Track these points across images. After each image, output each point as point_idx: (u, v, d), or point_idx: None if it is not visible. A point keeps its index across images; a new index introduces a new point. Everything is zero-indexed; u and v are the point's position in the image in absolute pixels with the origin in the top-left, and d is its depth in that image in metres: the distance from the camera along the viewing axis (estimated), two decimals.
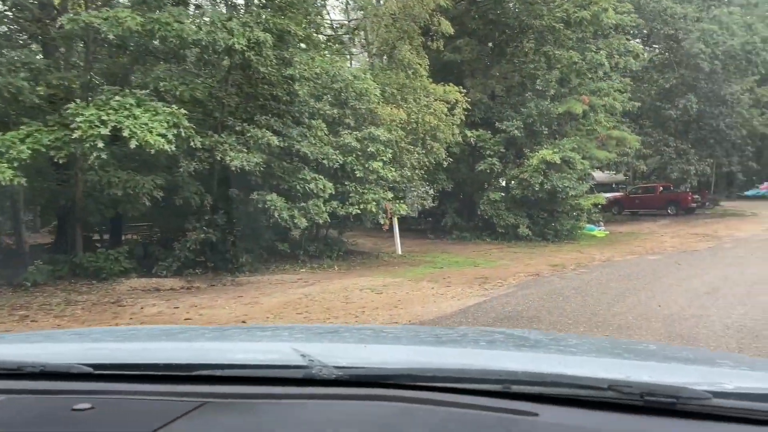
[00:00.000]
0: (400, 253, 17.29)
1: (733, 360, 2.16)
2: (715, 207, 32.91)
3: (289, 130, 12.43)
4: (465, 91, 17.41)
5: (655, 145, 29.25)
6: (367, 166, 13.99)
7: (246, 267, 12.58)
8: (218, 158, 10.88)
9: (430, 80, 17.21)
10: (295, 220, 11.97)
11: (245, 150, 11.06)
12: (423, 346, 1.75)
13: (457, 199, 23.15)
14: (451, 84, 17.39)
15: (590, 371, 1.32)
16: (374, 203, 13.91)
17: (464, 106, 16.83)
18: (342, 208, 13.80)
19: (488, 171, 20.65)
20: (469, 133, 20.34)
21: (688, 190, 31.25)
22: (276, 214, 11.76)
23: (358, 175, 13.98)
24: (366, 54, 18.63)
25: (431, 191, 25.27)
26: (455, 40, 20.56)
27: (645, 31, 26.75)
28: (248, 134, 11.21)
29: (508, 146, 20.97)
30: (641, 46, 23.68)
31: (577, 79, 21.49)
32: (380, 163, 14.00)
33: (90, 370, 1.33)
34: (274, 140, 11.30)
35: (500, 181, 21.79)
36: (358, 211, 13.83)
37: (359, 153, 14.09)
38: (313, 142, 12.61)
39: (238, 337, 1.97)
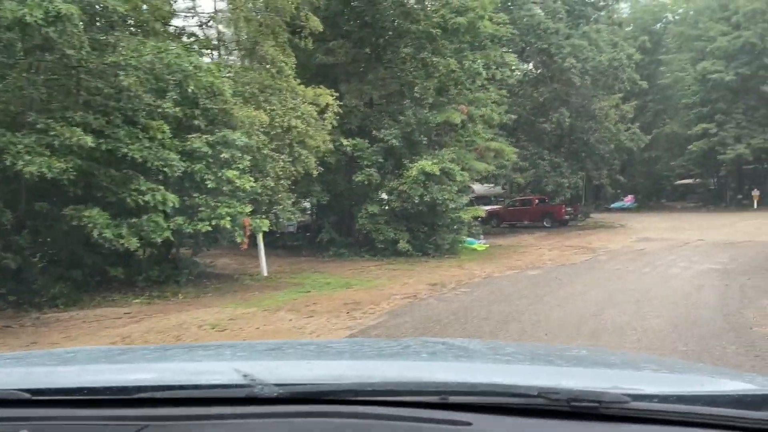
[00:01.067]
0: (265, 274, 15.36)
1: (656, 363, 2.27)
2: (586, 219, 33.92)
3: (115, 130, 10.17)
4: (336, 95, 15.87)
5: (531, 158, 29.52)
6: (220, 175, 12.00)
7: (60, 300, 10.12)
8: (8, 163, 8.42)
9: (299, 81, 15.54)
10: (122, 240, 9.72)
11: (47, 153, 8.68)
12: (365, 360, 1.80)
13: (334, 213, 21.59)
14: (322, 87, 15.81)
15: (522, 379, 1.42)
16: (229, 218, 11.93)
17: (335, 110, 15.28)
18: (189, 224, 11.70)
19: (366, 182, 19.28)
20: (345, 142, 18.89)
21: (561, 202, 31.90)
22: (95, 233, 9.46)
23: (209, 186, 11.94)
24: (225, 49, 16.60)
25: (307, 204, 23.63)
26: (328, 41, 19.10)
27: (521, 44, 26.86)
28: (52, 133, 8.83)
29: (386, 156, 19.74)
30: (516, 59, 23.57)
31: (456, 88, 20.79)
32: (236, 172, 12.06)
33: (28, 396, 1.31)
34: (88, 141, 9.00)
35: (379, 193, 20.48)
36: (209, 228, 11.78)
37: (211, 160, 12.07)
38: (148, 145, 10.42)
39: (180, 357, 1.91)
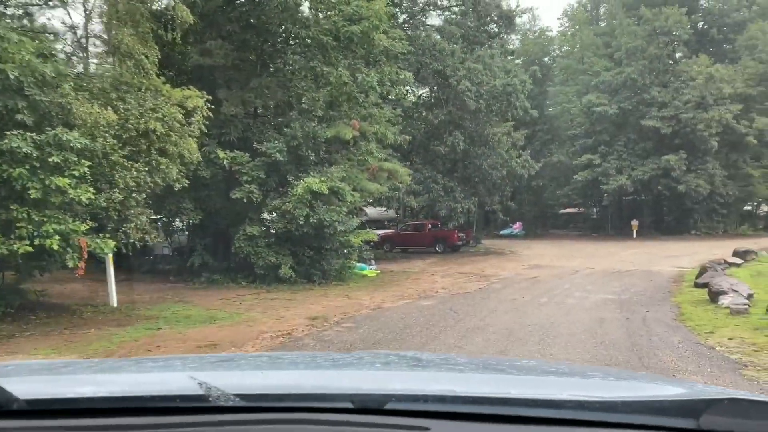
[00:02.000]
0: (114, 305, 12.84)
1: (603, 372, 2.30)
2: (478, 245, 33.61)
3: None
4: (209, 99, 13.79)
5: (425, 182, 28.69)
6: (48, 183, 9.58)
7: None
8: None
9: (165, 80, 13.36)
10: None
11: None
12: (320, 371, 1.79)
13: (208, 234, 19.26)
14: (191, 88, 13.70)
15: (477, 387, 1.45)
16: (58, 237, 9.52)
17: (204, 114, 13.20)
18: (2, 244, 9.18)
19: (246, 200, 17.22)
20: (221, 154, 16.80)
21: (454, 228, 31.33)
22: None
23: (32, 196, 9.49)
24: (74, 35, 14.10)
25: (180, 224, 21.05)
26: (206, 41, 17.02)
27: (417, 65, 26.04)
28: None
29: (269, 172, 17.80)
30: (412, 77, 22.63)
31: (348, 103, 19.34)
32: (69, 180, 9.70)
33: None
34: None
35: (261, 213, 18.46)
36: (30, 249, 9.32)
37: (37, 164, 9.64)
38: None
39: (129, 369, 1.81)
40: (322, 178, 17.01)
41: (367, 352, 2.66)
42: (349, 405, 1.25)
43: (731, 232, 39.88)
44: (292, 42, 19.09)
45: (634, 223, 39.09)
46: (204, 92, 14.02)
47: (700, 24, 41.55)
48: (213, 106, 14.30)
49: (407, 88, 28.39)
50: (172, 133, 12.08)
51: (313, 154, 17.82)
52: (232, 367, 1.89)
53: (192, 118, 12.65)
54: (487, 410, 1.24)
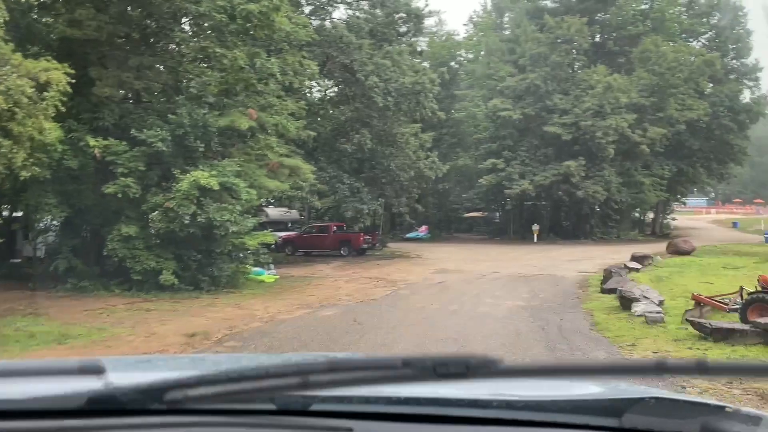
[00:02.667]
0: None
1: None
2: (384, 248, 32.59)
3: None
4: (70, 72, 11.62)
5: (331, 182, 27.22)
6: None
7: None
8: None
9: (15, 48, 11.07)
10: None
11: None
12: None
13: (77, 234, 16.76)
14: (50, 59, 11.47)
15: (401, 389, 1.38)
16: None
17: (61, 89, 11.03)
18: None
19: (121, 196, 15.01)
20: (92, 142, 14.52)
21: (360, 230, 30.10)
22: None
23: None
24: None
25: (46, 222, 18.32)
26: (74, 9, 14.67)
27: (323, 57, 24.56)
28: None
29: (150, 164, 15.69)
30: (317, 68, 21.10)
31: (245, 90, 17.57)
32: None
33: None
34: None
35: (141, 211, 16.25)
36: None
37: None
38: None
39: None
40: (213, 172, 15.14)
41: (295, 355, 2.82)
42: (272, 407, 1.24)
43: (623, 237, 41.46)
44: (181, 18, 17.03)
45: (535, 227, 39.65)
46: (68, 66, 11.83)
47: (598, 36, 42.98)
48: (81, 85, 12.15)
49: (313, 82, 26.91)
50: (17, 110, 9.86)
51: (203, 145, 15.87)
52: (148, 368, 1.83)
53: (45, 94, 10.45)
54: (413, 410, 1.25)
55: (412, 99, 25.93)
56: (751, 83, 44.96)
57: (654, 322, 10.92)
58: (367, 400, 1.25)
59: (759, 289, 10.62)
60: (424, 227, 43.73)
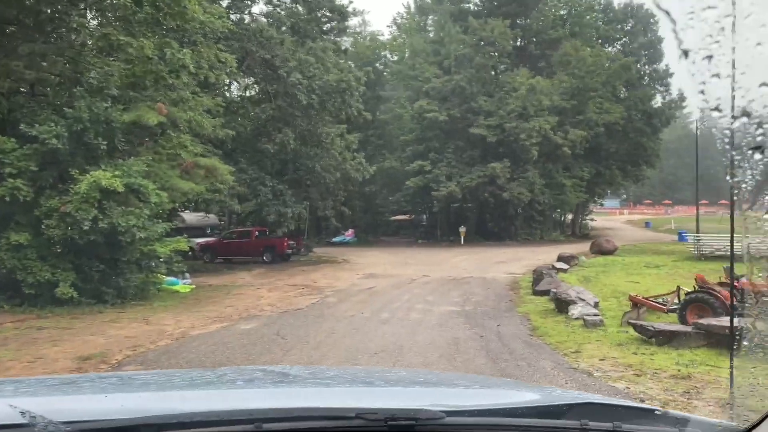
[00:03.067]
0: None
1: (468, 380, 2.51)
2: (309, 254, 31.43)
3: None
4: None
5: (252, 184, 25.81)
6: None
7: None
8: None
9: None
10: None
11: None
12: (173, 391, 1.72)
13: None
14: None
15: (341, 402, 1.49)
16: None
17: None
18: None
19: (9, 199, 13.22)
20: None
21: (284, 235, 28.81)
22: None
23: None
24: None
25: None
26: None
27: (242, 52, 23.17)
28: None
29: (44, 164, 13.94)
30: (235, 61, 19.73)
31: (155, 84, 16.07)
32: None
33: None
34: None
35: (33, 215, 14.43)
36: None
37: None
38: None
39: None
40: (117, 173, 13.61)
41: (230, 369, 2.50)
42: (203, 429, 1.20)
43: (546, 238, 42.20)
44: (80, 3, 15.35)
45: (462, 229, 39.64)
46: None
47: (520, 40, 43.67)
48: None
49: (231, 79, 25.43)
50: None
51: (105, 143, 14.25)
52: (72, 391, 1.74)
53: None
54: (351, 426, 1.26)
55: (337, 97, 24.97)
56: (662, 88, 47.10)
57: (593, 325, 10.51)
58: (308, 416, 1.28)
59: (696, 288, 10.41)
60: (350, 231, 42.85)
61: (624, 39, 46.74)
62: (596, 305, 12.36)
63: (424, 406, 1.33)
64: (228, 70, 19.31)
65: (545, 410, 1.41)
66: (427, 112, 36.18)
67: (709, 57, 1.11)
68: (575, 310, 11.60)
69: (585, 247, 33.88)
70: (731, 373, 1.82)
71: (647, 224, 67.10)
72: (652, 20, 46.32)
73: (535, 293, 15.83)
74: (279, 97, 25.04)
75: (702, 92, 1.15)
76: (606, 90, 38.75)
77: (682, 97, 47.10)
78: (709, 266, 23.28)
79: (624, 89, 42.58)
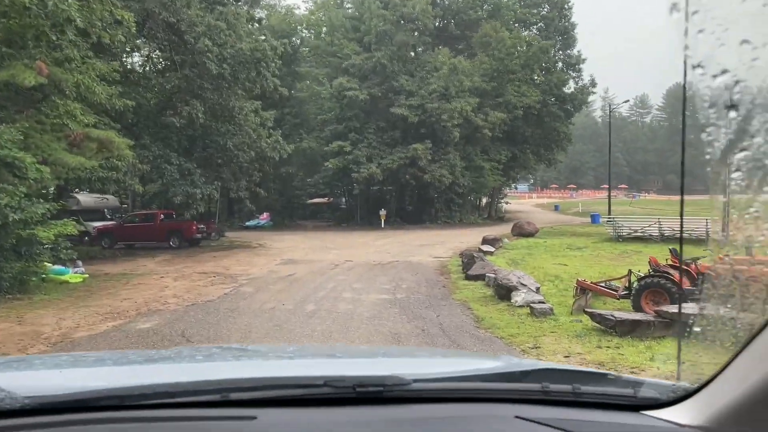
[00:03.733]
0: None
1: (430, 352, 2.79)
2: (221, 238, 29.29)
3: None
4: None
5: (156, 162, 23.33)
6: None
7: None
8: None
9: None
10: None
11: None
12: (132, 366, 1.71)
13: None
14: None
15: (307, 371, 1.48)
16: None
17: None
18: None
19: None
20: None
21: (193, 218, 26.54)
22: None
23: None
24: None
25: None
26: None
27: (142, 13, 20.61)
28: None
29: None
30: (134, 21, 17.34)
31: (35, 40, 13.63)
32: None
33: None
34: None
35: None
36: None
37: None
38: None
39: None
40: None
41: (188, 348, 2.46)
42: (167, 400, 1.21)
43: (465, 221, 42.06)
44: None
45: (383, 212, 38.61)
46: None
47: (440, 20, 42.88)
48: None
49: (133, 50, 22.82)
50: None
51: None
52: (24, 367, 1.73)
53: None
54: (319, 392, 1.27)
55: (251, 68, 22.90)
56: (575, 74, 47.94)
57: (542, 314, 9.58)
58: (271, 386, 1.27)
59: (650, 272, 9.70)
60: (265, 214, 40.77)
61: (540, 24, 47.10)
62: (538, 291, 11.51)
63: (392, 374, 1.34)
64: (125, 31, 16.91)
65: (507, 376, 1.45)
66: (347, 90, 34.65)
67: (695, 12, 1.10)
68: (518, 297, 10.67)
69: (503, 229, 33.82)
70: (679, 333, 1.75)
71: (556, 207, 69.27)
72: (566, 6, 46.96)
73: (468, 278, 14.90)
74: (186, 66, 22.68)
75: (686, 47, 1.13)
76: (525, 73, 38.73)
77: (593, 83, 48.21)
78: (629, 247, 23.54)
79: (541, 73, 42.85)
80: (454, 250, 24.17)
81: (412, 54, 38.84)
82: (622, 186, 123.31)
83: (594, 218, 39.62)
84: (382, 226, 37.78)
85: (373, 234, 32.96)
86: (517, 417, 1.27)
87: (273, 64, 23.79)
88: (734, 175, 1.17)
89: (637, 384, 1.42)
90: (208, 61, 21.15)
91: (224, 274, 17.06)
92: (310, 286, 14.15)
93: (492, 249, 21.49)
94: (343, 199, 44.96)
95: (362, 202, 41.03)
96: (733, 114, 1.14)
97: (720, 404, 1.19)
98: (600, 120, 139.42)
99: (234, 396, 1.22)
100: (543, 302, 10.32)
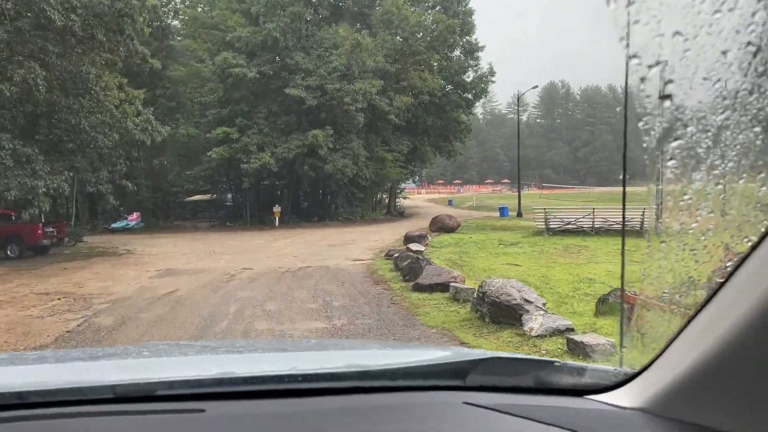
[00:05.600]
0: None
1: (380, 344, 2.59)
2: (77, 244, 23.52)
3: None
4: None
5: None
6: None
7: None
8: None
9: None
10: None
11: None
12: (74, 363, 1.68)
13: None
14: None
15: (255, 367, 1.45)
16: None
17: None
18: None
19: None
20: None
21: (37, 219, 20.73)
22: None
23: None
24: None
25: None
26: None
27: None
28: None
29: None
30: None
31: None
32: None
33: None
34: None
35: None
36: None
37: None
38: None
39: None
40: None
41: (133, 347, 2.22)
42: (111, 395, 1.21)
43: (367, 217, 38.61)
44: None
45: (276, 209, 34.08)
46: None
47: None
48: None
49: None
50: None
51: None
52: None
53: None
54: (268, 387, 1.27)
55: (111, 23, 17.62)
56: (473, 62, 45.95)
57: (592, 353, 6.06)
58: (219, 381, 1.27)
59: None
60: (135, 215, 34.60)
61: (438, 7, 44.56)
62: (544, 306, 8.06)
63: (341, 368, 1.36)
64: None
65: (457, 366, 1.46)
66: (233, 68, 29.73)
67: (632, 3, 1.12)
68: (534, 323, 7.12)
69: (413, 225, 30.80)
70: (621, 322, 1.76)
71: (450, 202, 68.47)
72: None
73: (419, 288, 11.23)
74: (21, 16, 16.96)
75: (623, 38, 1.14)
76: (429, 55, 35.81)
77: (491, 71, 46.47)
78: (567, 241, 21.14)
79: (443, 58, 40.25)
80: (372, 250, 20.56)
81: (307, 28, 34.61)
82: (505, 180, 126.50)
83: (503, 211, 37.75)
84: (276, 224, 33.27)
85: (268, 234, 28.46)
86: (465, 403, 1.29)
87: (141, 22, 18.60)
88: (669, 163, 1.21)
89: (581, 370, 1.45)
90: (49, 8, 15.68)
91: (75, 295, 12.16)
92: (203, 311, 9.79)
93: (421, 248, 18.04)
94: (230, 195, 39.66)
95: (252, 198, 36.13)
96: (667, 104, 1.16)
97: (657, 387, 1.21)
98: (481, 117, 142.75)
99: (181, 390, 1.21)
100: (571, 328, 6.87)
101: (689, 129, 1.15)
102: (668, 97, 1.15)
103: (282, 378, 1.27)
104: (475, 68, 46.19)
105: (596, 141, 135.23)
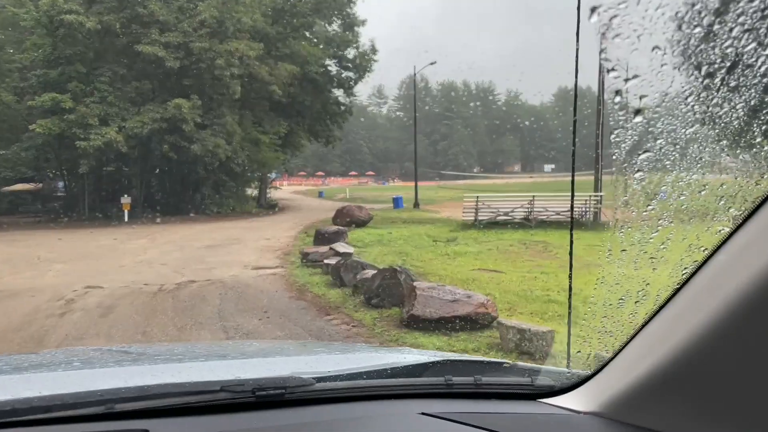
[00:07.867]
0: None
1: (329, 348, 2.31)
2: None
3: None
4: None
5: None
6: None
7: None
8: None
9: None
10: None
11: None
12: (6, 375, 1.55)
13: None
14: None
15: (201, 376, 1.32)
16: None
17: None
18: None
19: None
20: None
21: None
22: None
23: None
24: None
25: None
26: None
27: None
28: None
29: None
30: None
31: None
32: None
33: None
34: None
35: None
36: None
37: None
38: None
39: None
40: None
41: (70, 350, 2.21)
42: (41, 416, 1.08)
43: (239, 210, 32.84)
44: None
45: (126, 201, 27.11)
46: None
47: None
48: None
49: None
50: None
51: None
52: None
53: None
54: (216, 399, 1.17)
55: None
56: (353, 38, 41.56)
57: None
58: (164, 394, 1.15)
59: None
60: None
61: None
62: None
63: (291, 374, 1.27)
64: None
65: (410, 370, 1.43)
66: (65, 14, 22.51)
67: (614, 16, 1.12)
68: None
69: (294, 219, 26.16)
70: (569, 323, 1.82)
71: (321, 194, 64.88)
72: None
73: (415, 324, 6.55)
74: None
75: (602, 51, 1.14)
76: (313, 20, 30.76)
77: (373, 49, 42.34)
78: (513, 236, 17.58)
79: (326, 29, 35.42)
80: (271, 252, 15.58)
81: None
82: (370, 173, 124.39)
83: (397, 202, 33.89)
84: (126, 219, 26.40)
85: (118, 232, 21.86)
86: (422, 414, 1.25)
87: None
88: (636, 175, 1.23)
89: (534, 372, 1.42)
90: None
91: None
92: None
93: (350, 249, 13.30)
94: (62, 184, 31.56)
95: (92, 187, 28.63)
96: (638, 119, 1.17)
97: (612, 391, 1.19)
98: (343, 107, 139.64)
99: (121, 407, 1.08)
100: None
101: (659, 142, 1.17)
102: (641, 111, 1.15)
103: (230, 390, 1.15)
104: (355, 45, 41.90)
105: (454, 134, 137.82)
